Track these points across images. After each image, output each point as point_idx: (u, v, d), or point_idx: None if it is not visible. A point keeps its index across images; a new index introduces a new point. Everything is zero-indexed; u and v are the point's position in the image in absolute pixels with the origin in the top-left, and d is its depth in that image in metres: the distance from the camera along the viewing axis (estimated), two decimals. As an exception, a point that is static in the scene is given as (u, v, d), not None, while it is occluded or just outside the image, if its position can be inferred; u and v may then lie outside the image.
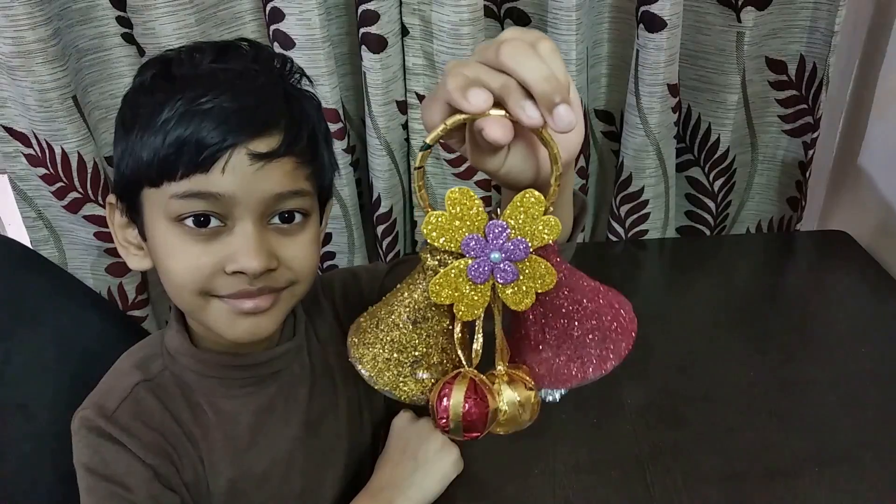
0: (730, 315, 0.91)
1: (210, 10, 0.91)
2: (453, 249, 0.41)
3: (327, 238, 1.09)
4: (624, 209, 1.07)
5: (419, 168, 0.41)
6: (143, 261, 0.64)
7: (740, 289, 0.98)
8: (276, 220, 0.59)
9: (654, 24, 0.89)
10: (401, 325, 0.45)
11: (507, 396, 0.45)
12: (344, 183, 1.03)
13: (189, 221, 0.56)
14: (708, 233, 1.12)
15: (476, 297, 0.42)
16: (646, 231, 1.09)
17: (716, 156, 1.05)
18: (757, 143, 1.08)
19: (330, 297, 0.76)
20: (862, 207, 1.06)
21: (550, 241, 0.42)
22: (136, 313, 1.06)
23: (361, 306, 0.76)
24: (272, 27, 0.92)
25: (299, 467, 0.70)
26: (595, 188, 1.14)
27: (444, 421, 0.44)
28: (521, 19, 0.98)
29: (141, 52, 0.91)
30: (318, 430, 0.71)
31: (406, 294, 0.45)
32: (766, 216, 1.14)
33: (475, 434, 0.44)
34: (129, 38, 0.92)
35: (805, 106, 1.02)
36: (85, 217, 0.97)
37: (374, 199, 1.03)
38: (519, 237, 0.41)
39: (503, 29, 0.99)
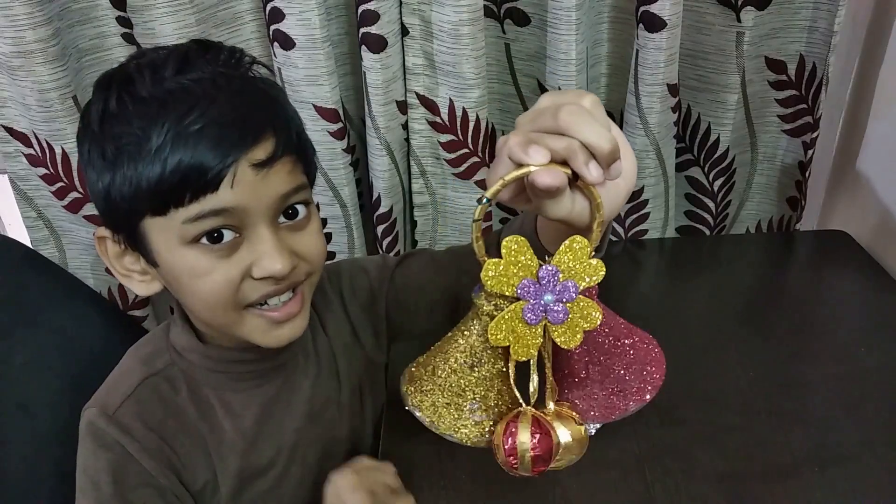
0: (729, 315, 0.91)
1: (210, 10, 0.91)
2: (508, 294, 0.43)
3: (327, 238, 1.09)
4: (624, 209, 1.07)
5: (477, 221, 0.43)
6: (150, 285, 0.63)
7: (740, 289, 0.98)
8: (283, 218, 0.60)
9: (654, 23, 0.89)
10: (458, 371, 0.47)
11: (562, 432, 0.47)
12: (344, 183, 1.03)
13: (204, 240, 0.57)
14: (707, 233, 1.12)
15: (530, 338, 0.44)
16: (645, 231, 1.09)
17: (715, 155, 1.05)
18: (756, 142, 1.08)
19: (337, 289, 0.77)
20: (861, 207, 1.06)
21: (594, 284, 0.44)
22: (136, 313, 1.06)
23: (371, 301, 0.78)
24: (272, 27, 0.92)
25: (300, 457, 0.71)
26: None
27: (513, 459, 0.46)
28: (521, 19, 0.98)
29: (141, 52, 0.91)
30: (319, 422, 0.72)
31: (462, 340, 0.47)
32: (766, 216, 1.14)
33: (541, 468, 0.46)
34: (129, 38, 0.92)
35: (805, 106, 1.02)
36: (85, 217, 0.97)
37: (374, 199, 1.03)
38: (568, 280, 0.43)
39: (503, 29, 0.99)
